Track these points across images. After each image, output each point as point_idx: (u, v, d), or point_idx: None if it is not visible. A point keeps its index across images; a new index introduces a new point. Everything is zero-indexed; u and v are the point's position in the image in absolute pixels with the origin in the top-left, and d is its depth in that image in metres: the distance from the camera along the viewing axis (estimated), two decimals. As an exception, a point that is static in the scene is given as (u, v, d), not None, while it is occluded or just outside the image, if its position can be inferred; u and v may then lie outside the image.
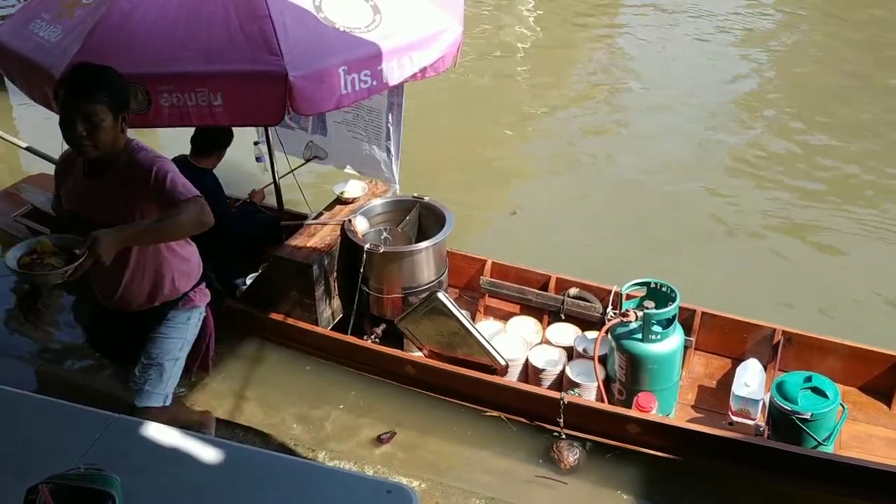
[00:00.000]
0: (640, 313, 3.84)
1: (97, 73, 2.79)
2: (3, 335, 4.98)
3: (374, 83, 3.35)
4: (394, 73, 3.42)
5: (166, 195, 2.81)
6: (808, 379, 3.68)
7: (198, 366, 3.52)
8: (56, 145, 5.08)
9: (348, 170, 5.04)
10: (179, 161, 4.59)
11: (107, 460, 2.16)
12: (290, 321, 4.41)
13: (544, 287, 4.65)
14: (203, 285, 3.30)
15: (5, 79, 7.68)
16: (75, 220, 2.97)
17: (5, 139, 5.61)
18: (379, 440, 4.09)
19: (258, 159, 5.04)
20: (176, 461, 2.30)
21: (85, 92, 2.71)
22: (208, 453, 2.32)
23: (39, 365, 4.78)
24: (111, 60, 3.07)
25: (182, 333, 3.25)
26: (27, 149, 5.49)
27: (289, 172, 4.84)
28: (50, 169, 5.55)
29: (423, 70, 3.56)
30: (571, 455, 3.92)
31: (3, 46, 3.63)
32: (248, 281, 4.57)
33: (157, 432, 2.40)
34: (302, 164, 4.88)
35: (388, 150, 4.77)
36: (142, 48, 3.15)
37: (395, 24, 3.45)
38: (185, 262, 3.20)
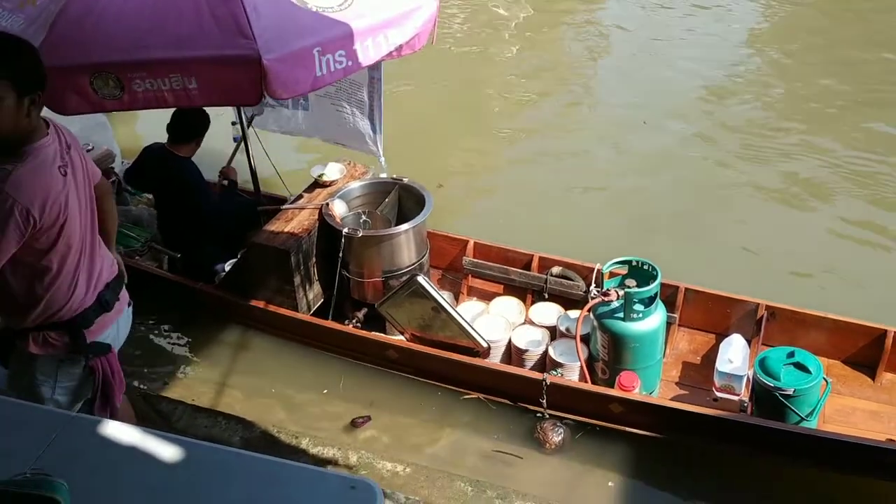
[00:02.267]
0: (621, 292, 3.82)
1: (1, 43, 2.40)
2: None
3: (350, 63, 3.28)
4: (369, 52, 3.35)
5: None
6: (791, 354, 3.68)
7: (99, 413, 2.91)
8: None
9: (333, 142, 4.96)
10: (157, 149, 4.54)
11: (64, 461, 2.11)
12: (271, 308, 4.37)
13: (527, 266, 4.63)
14: (52, 333, 2.71)
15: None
16: None
17: None
18: (353, 424, 4.07)
19: (235, 139, 4.95)
20: (135, 460, 2.24)
21: None
22: (169, 452, 2.26)
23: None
24: (78, 50, 3.01)
25: (22, 373, 2.78)
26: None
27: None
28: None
29: (399, 48, 3.50)
30: (556, 435, 3.91)
31: None
32: (227, 267, 4.51)
33: (117, 431, 2.34)
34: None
35: (372, 124, 4.72)
36: (110, 36, 3.05)
37: (368, 2, 3.38)
38: (10, 297, 2.64)
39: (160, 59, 3.00)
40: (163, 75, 3.01)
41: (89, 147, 4.95)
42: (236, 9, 3.05)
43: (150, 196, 5.12)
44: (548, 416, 3.96)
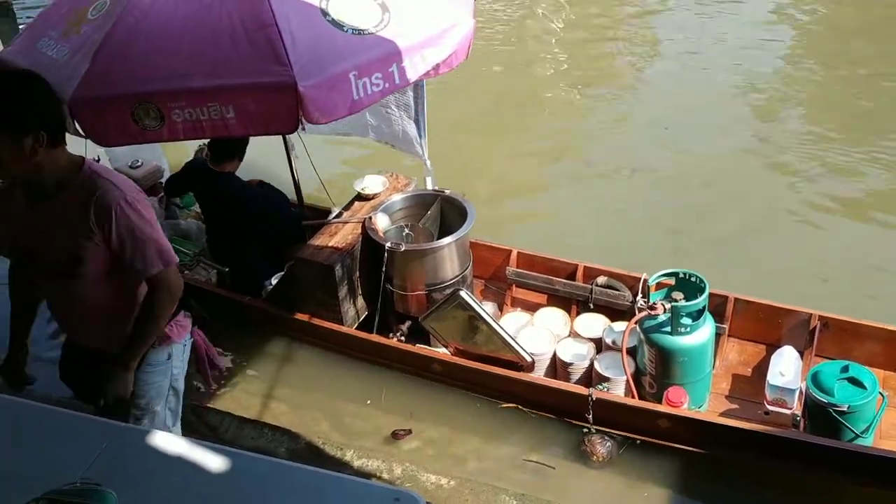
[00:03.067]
0: (668, 305, 3.75)
1: None
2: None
3: (387, 85, 3.27)
4: (406, 72, 3.32)
5: (133, 262, 2.54)
6: (845, 369, 3.58)
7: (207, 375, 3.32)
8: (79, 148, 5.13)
9: (383, 142, 4.96)
10: (202, 165, 4.61)
11: (112, 471, 2.16)
12: (316, 321, 4.40)
13: (571, 276, 4.57)
14: (179, 316, 2.90)
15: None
16: (26, 261, 2.72)
17: None
18: (394, 436, 4.08)
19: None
20: (181, 471, 2.29)
21: None
22: (215, 462, 2.30)
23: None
24: (121, 79, 3.07)
25: (164, 375, 2.90)
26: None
27: None
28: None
29: (436, 67, 3.46)
30: (604, 448, 3.87)
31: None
32: (274, 281, 4.56)
33: (164, 441, 2.39)
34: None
35: (418, 127, 4.72)
36: (150, 64, 3.10)
37: (404, 22, 3.35)
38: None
39: (199, 88, 3.03)
40: (201, 104, 3.04)
41: (138, 163, 5.06)
42: (272, 35, 3.05)
43: (199, 210, 5.21)
44: (594, 431, 3.91)
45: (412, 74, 3.35)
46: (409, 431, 4.12)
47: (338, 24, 3.24)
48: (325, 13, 3.25)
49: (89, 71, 3.07)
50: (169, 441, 2.40)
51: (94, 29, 3.27)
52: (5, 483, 2.12)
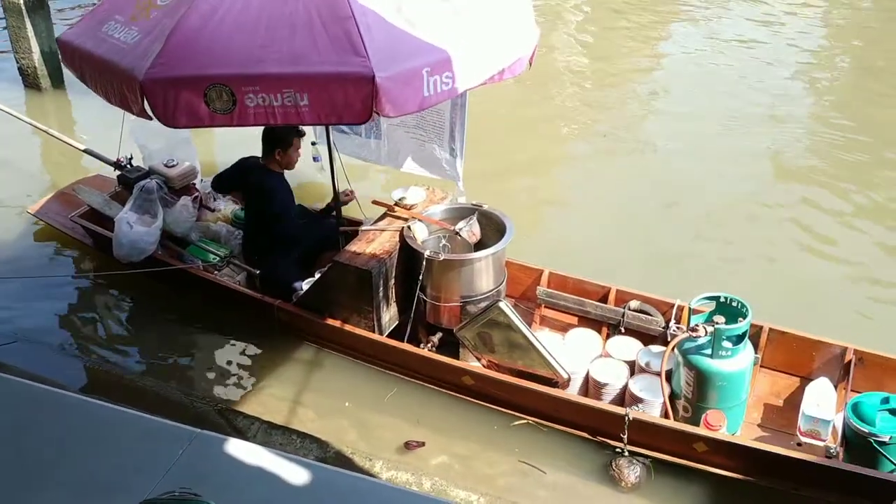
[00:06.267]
0: (709, 328, 3.75)
1: None
2: (98, 345, 4.92)
3: (455, 85, 3.31)
4: (474, 75, 3.38)
5: None
6: (886, 400, 3.59)
7: None
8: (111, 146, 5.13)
9: (406, 170, 5.00)
10: (252, 161, 4.72)
11: (190, 477, 2.13)
12: (348, 328, 4.37)
13: (603, 299, 4.57)
14: None
15: (64, 79, 7.72)
16: None
17: (63, 140, 5.62)
18: (406, 446, 4.04)
19: (315, 159, 4.99)
20: (256, 479, 2.27)
21: None
22: (287, 471, 2.29)
23: (126, 375, 4.65)
24: (195, 62, 3.07)
25: None
26: (85, 151, 5.48)
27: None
28: (105, 170, 5.59)
29: (501, 72, 3.52)
30: (632, 473, 3.84)
31: (77, 49, 3.61)
32: (305, 286, 4.53)
33: (238, 449, 2.38)
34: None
35: (452, 150, 4.73)
36: (225, 50, 3.12)
37: (474, 26, 3.41)
38: None
39: (275, 74, 3.05)
40: (276, 90, 3.05)
41: (173, 162, 5.04)
42: (350, 27, 3.09)
43: (229, 214, 5.20)
44: (626, 453, 3.87)
45: (479, 77, 3.39)
46: (423, 443, 4.08)
47: (411, 23, 3.28)
48: (399, 11, 3.29)
49: (163, 51, 3.09)
50: (244, 449, 2.39)
51: (165, 14, 3.30)
52: (86, 489, 2.09)
